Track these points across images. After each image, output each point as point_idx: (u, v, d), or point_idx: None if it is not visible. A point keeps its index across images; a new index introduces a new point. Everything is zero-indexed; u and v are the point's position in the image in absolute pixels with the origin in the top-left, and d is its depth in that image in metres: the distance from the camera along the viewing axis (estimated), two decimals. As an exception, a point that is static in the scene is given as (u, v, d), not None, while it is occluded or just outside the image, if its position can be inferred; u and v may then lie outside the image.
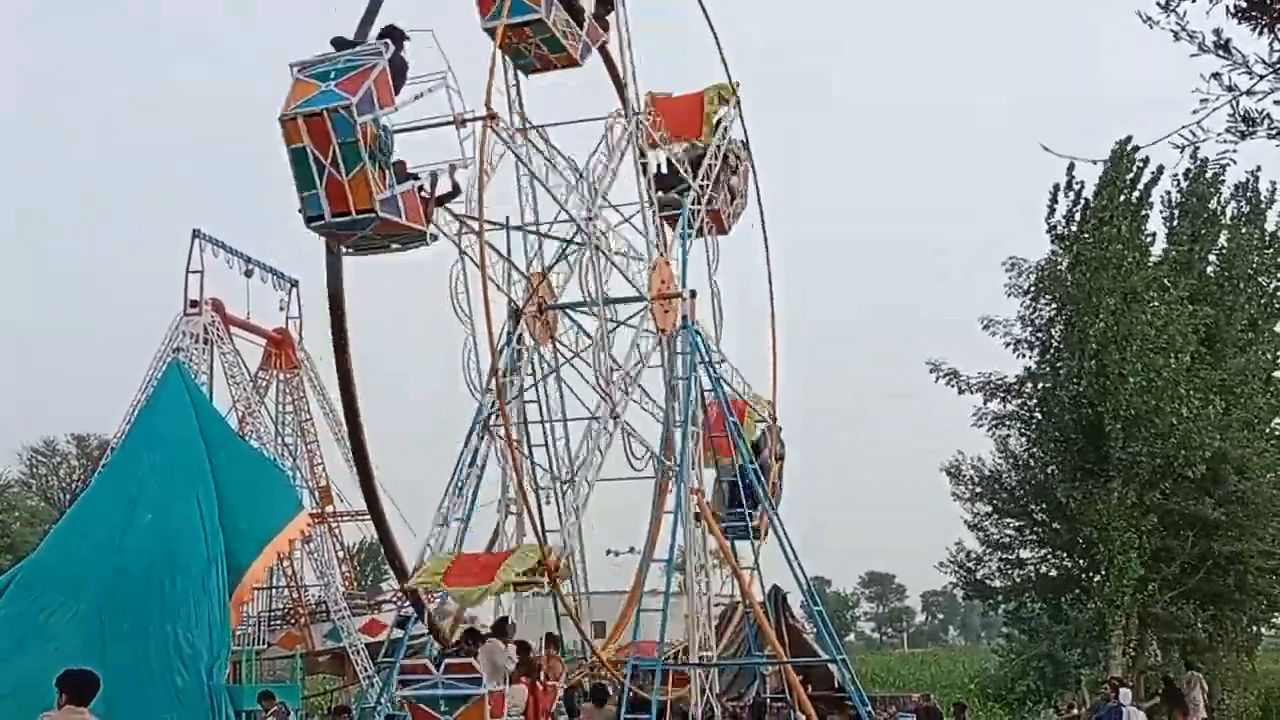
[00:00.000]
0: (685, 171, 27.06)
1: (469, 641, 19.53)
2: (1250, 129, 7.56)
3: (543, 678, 20.65)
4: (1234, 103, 7.52)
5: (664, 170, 27.21)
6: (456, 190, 20.34)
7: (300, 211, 18.28)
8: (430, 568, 19.90)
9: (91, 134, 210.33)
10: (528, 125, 23.64)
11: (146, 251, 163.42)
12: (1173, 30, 7.87)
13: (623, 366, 24.64)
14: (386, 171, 18.18)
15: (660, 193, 26.70)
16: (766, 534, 26.02)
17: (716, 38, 28.39)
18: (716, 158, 27.83)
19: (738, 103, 28.85)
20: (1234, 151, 7.75)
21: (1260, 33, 7.73)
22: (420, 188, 19.36)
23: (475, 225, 20.10)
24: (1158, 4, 7.95)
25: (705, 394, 25.69)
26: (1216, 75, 7.61)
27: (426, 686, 18.60)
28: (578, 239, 23.64)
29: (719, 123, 28.14)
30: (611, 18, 25.20)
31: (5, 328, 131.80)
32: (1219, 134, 7.62)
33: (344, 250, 19.43)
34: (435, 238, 19.80)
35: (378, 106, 17.98)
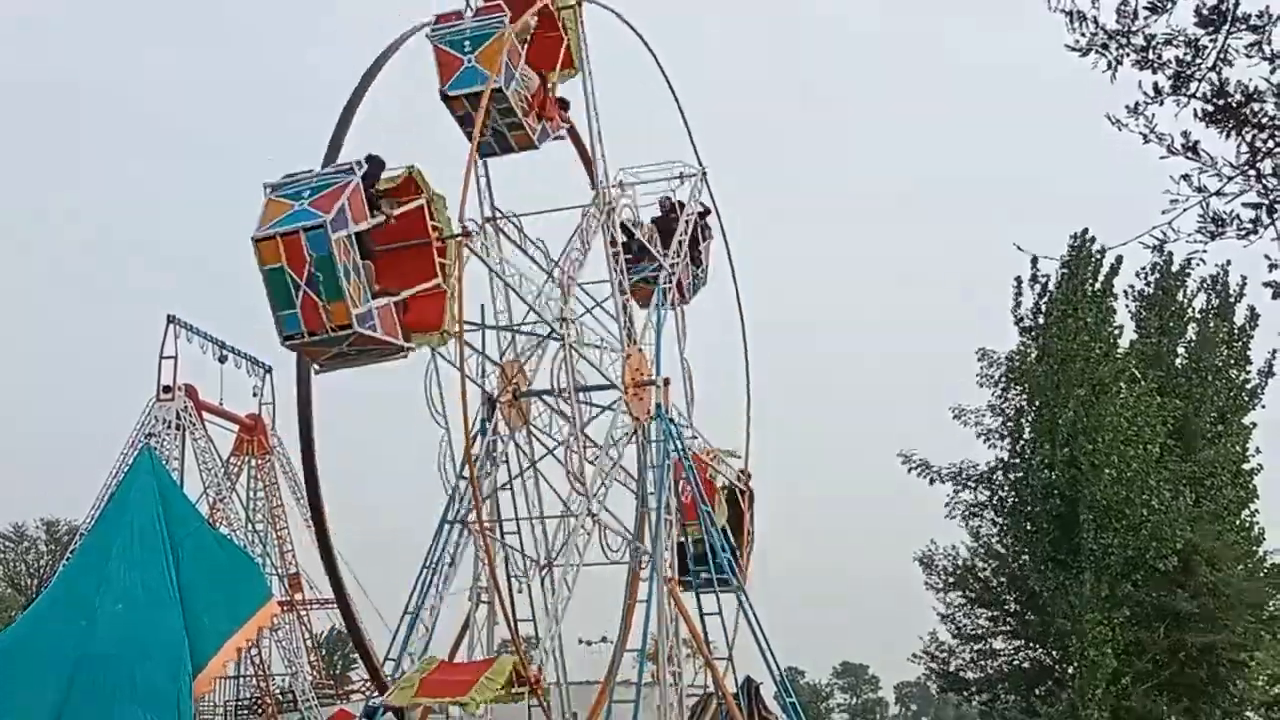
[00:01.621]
0: (655, 249, 27.39)
1: None
2: (1220, 229, 7.71)
3: None
4: (1204, 204, 7.67)
5: (633, 248, 27.54)
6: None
7: (277, 330, 18.31)
8: (406, 679, 19.65)
9: (67, 218, 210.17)
10: (497, 215, 23.80)
11: (120, 334, 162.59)
12: (1141, 133, 8.03)
13: (599, 457, 24.65)
14: (363, 286, 18.16)
15: (629, 260, 27.07)
16: (747, 576, 26.53)
17: (685, 119, 28.92)
18: (686, 231, 28.37)
19: (704, 175, 29.47)
20: (1204, 252, 7.89)
21: (1228, 135, 7.89)
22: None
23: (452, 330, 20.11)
24: (1126, 108, 8.12)
25: (680, 481, 25.73)
26: (1186, 177, 7.76)
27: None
28: (552, 338, 23.78)
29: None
30: (574, 112, 25.66)
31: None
32: (1189, 234, 7.77)
33: (316, 369, 19.34)
34: (414, 348, 19.76)
35: (351, 223, 17.95)
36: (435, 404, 20.73)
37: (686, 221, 28.69)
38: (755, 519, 29.81)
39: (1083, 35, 8.13)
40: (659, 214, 28.84)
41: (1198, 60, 8.07)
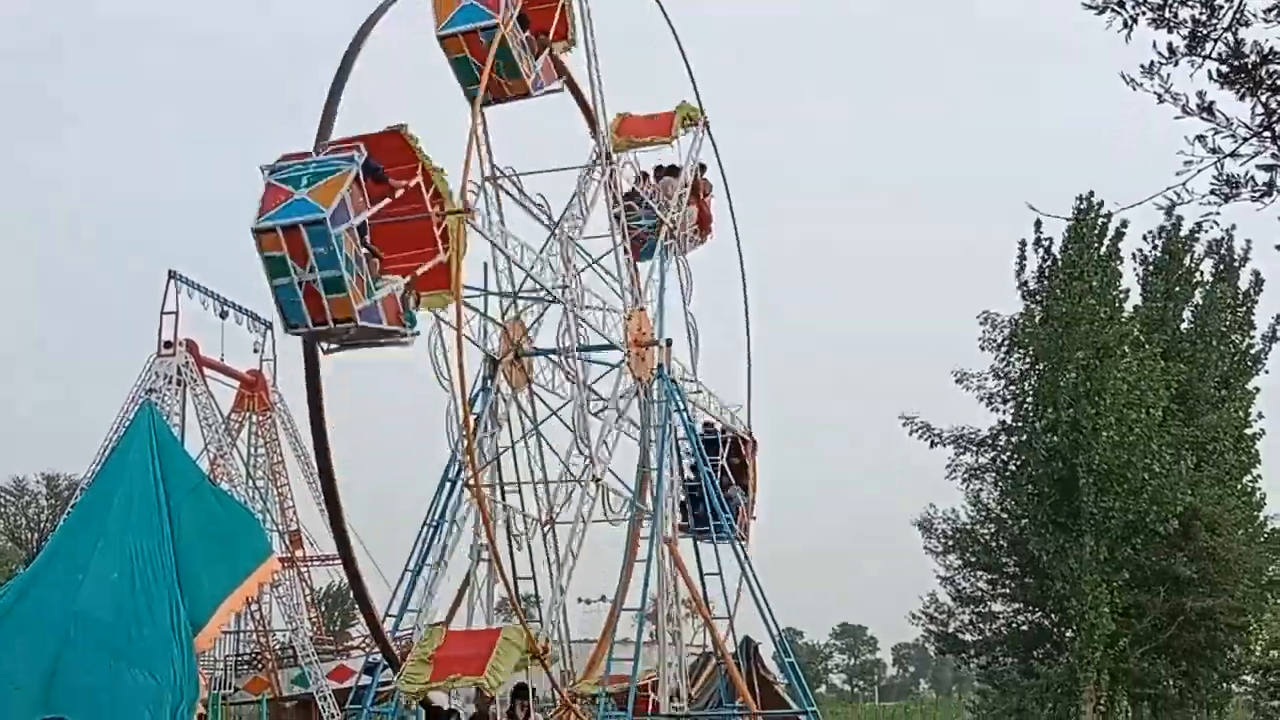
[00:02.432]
0: (658, 206, 27.08)
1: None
2: (1234, 191, 7.59)
3: None
4: (1218, 165, 7.55)
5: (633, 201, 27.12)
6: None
7: (279, 318, 18.23)
8: (416, 657, 19.56)
9: (76, 169, 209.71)
10: (498, 174, 23.54)
11: (123, 290, 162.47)
12: (1156, 93, 7.90)
13: (604, 411, 24.58)
14: (366, 280, 18.04)
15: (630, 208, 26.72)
16: (748, 533, 26.90)
17: (687, 63, 28.53)
18: (688, 184, 27.92)
19: (706, 125, 28.93)
20: (1217, 214, 7.77)
21: (1243, 97, 7.77)
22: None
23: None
24: (1141, 67, 7.98)
25: (680, 442, 25.72)
26: (1201, 138, 7.64)
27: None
28: (555, 302, 23.61)
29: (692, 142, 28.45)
30: (575, 63, 25.35)
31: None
32: (1203, 196, 7.64)
33: (323, 349, 19.22)
34: (417, 334, 19.65)
35: (352, 215, 17.78)
36: (441, 369, 20.57)
37: (690, 172, 28.15)
38: (758, 467, 29.72)
39: None
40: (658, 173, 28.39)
41: (1213, 20, 7.94)
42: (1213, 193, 7.63)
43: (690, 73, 28.60)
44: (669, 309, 26.95)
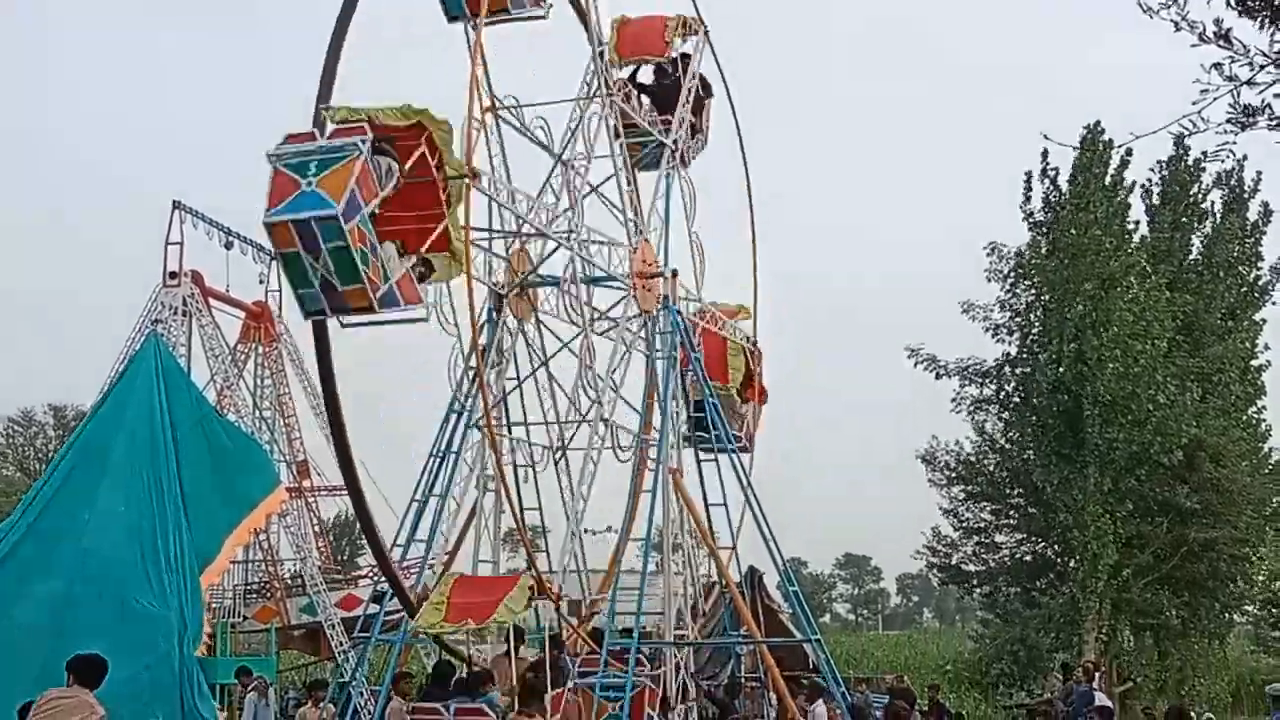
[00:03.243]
0: (655, 127, 26.67)
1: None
2: (1250, 120, 7.50)
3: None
4: (1234, 93, 7.47)
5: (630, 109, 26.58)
6: None
7: (298, 305, 18.25)
8: (432, 603, 19.75)
9: (74, 101, 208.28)
10: (498, 104, 23.32)
11: (127, 220, 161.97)
12: (1173, 20, 7.79)
13: (613, 340, 24.55)
14: (381, 265, 17.92)
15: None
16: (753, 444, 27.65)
17: None
18: (687, 104, 27.35)
19: (706, 34, 28.26)
20: (1234, 143, 7.69)
21: (1262, 26, 7.67)
22: None
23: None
24: None
25: (686, 373, 25.70)
26: (1217, 65, 7.54)
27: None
28: (559, 242, 23.47)
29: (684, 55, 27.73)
30: None
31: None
32: (1218, 124, 7.56)
33: (341, 322, 19.14)
34: (430, 310, 19.62)
35: (363, 205, 17.57)
36: (446, 314, 20.57)
37: (688, 89, 27.45)
38: (764, 376, 29.61)
39: None
40: (654, 80, 27.65)
41: None
42: (1229, 121, 7.55)
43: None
44: (674, 225, 26.71)
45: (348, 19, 20.26)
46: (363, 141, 17.80)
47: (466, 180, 19.45)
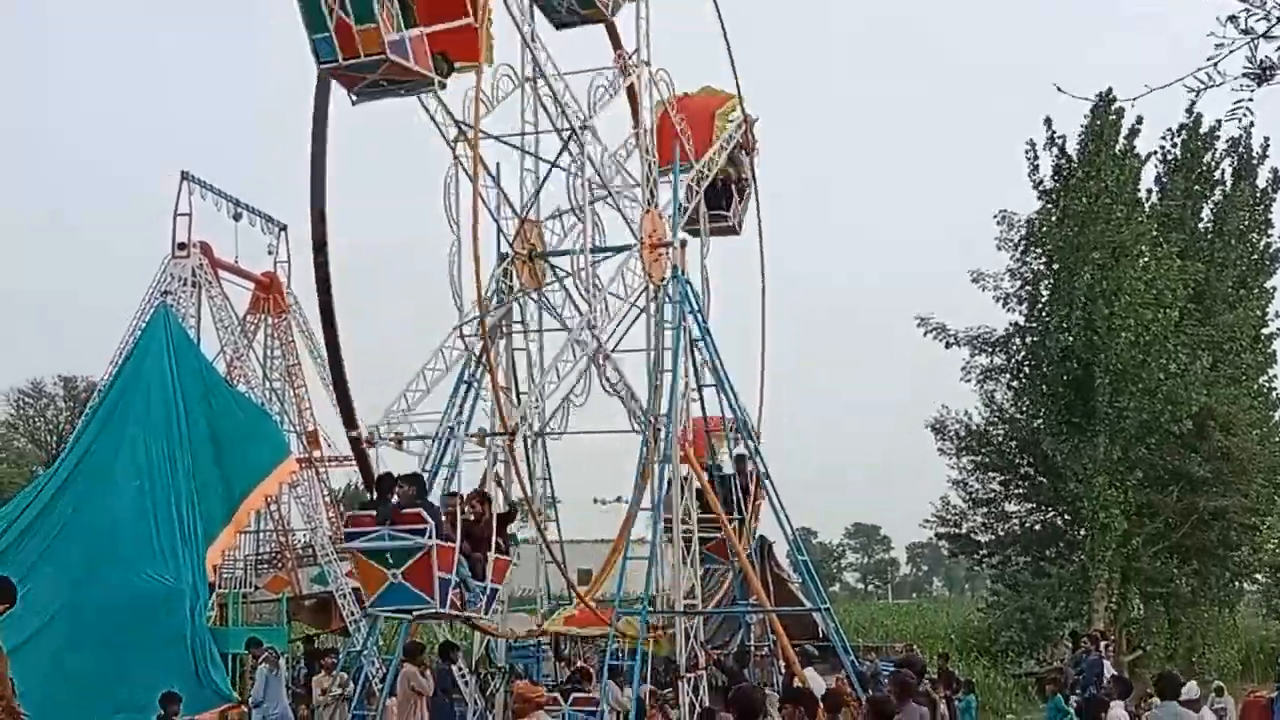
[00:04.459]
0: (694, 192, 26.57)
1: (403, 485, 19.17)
2: (1267, 74, 7.36)
3: None
4: (1251, 46, 7.32)
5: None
6: None
7: (312, 54, 18.43)
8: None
9: (77, 72, 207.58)
10: (538, 73, 23.28)
11: (135, 191, 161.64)
12: None
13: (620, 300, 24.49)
14: (395, 14, 18.24)
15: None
16: (756, 524, 27.10)
17: (725, 35, 27.84)
18: (720, 171, 27.28)
19: (741, 102, 28.13)
20: (1250, 100, 7.54)
21: None
22: None
23: (470, 134, 20.09)
24: None
25: (695, 344, 25.59)
26: (1233, 19, 7.40)
27: (373, 539, 18.35)
28: (570, 149, 23.31)
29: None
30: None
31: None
32: (1235, 77, 7.41)
33: (352, 99, 19.36)
34: (444, 85, 19.72)
35: None
36: (452, 213, 20.60)
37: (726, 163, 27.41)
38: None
39: None
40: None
41: None
42: (1245, 75, 7.40)
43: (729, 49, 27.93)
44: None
45: None
46: None
47: None
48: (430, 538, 18.10)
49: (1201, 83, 7.26)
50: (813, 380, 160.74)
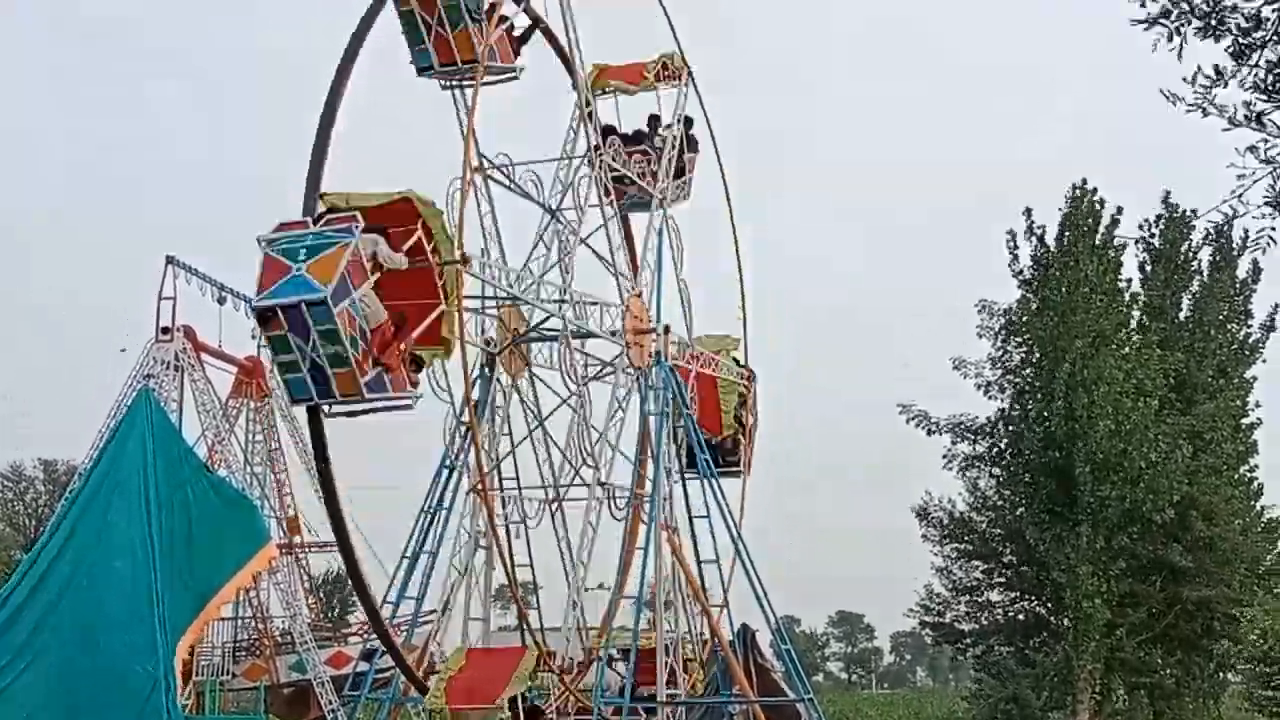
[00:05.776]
0: (645, 181, 26.60)
1: None
2: None
3: None
4: (1274, 176, 7.36)
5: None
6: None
7: (285, 392, 18.68)
8: (438, 679, 19.84)
9: (61, 153, 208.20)
10: (486, 164, 23.33)
11: (117, 274, 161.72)
12: (1200, 107, 7.65)
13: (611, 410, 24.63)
14: (369, 351, 17.97)
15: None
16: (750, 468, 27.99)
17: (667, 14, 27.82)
18: (673, 150, 27.34)
19: (690, 77, 28.12)
20: (1273, 229, 7.56)
21: None
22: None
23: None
24: (1184, 80, 7.74)
25: (677, 428, 25.63)
26: (1253, 149, 7.45)
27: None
28: (550, 302, 23.46)
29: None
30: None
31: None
32: (1258, 206, 7.46)
33: (325, 412, 18.92)
34: (421, 396, 19.53)
35: (354, 289, 17.67)
36: (437, 379, 20.55)
37: (674, 138, 27.41)
38: (758, 403, 29.57)
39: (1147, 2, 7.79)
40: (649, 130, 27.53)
41: (1259, 32, 7.71)
42: (1268, 204, 7.43)
43: (670, 22, 27.78)
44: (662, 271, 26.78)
45: (334, 111, 19.92)
46: (355, 228, 17.96)
47: (459, 266, 19.41)
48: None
49: (1226, 215, 7.31)
50: (813, 380, 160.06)
